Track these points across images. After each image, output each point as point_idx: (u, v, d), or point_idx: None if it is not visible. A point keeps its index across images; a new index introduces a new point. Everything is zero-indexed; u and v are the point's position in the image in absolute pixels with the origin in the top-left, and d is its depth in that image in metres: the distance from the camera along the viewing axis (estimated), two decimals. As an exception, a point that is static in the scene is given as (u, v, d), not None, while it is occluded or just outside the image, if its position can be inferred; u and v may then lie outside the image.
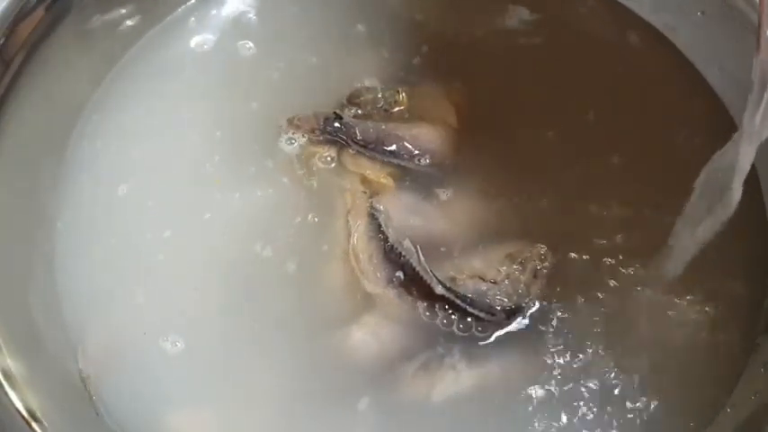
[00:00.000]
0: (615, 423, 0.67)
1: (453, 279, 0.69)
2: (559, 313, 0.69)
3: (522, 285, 0.69)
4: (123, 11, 0.78)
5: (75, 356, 0.70)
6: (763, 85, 0.53)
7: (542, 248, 0.71)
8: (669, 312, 0.70)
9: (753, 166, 0.62)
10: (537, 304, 0.69)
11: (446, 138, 0.75)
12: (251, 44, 0.80)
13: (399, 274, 0.68)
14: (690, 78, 0.77)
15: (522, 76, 0.78)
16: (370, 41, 0.80)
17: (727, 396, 0.68)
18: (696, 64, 0.77)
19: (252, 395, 0.68)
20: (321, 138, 0.74)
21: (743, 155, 0.58)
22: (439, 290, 0.67)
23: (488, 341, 0.68)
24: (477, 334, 0.68)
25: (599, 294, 0.70)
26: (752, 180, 0.70)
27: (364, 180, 0.74)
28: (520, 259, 0.70)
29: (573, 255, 0.71)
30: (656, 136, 0.75)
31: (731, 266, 0.71)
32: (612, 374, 0.68)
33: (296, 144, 0.74)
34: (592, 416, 0.67)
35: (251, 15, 0.82)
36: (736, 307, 0.70)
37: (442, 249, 0.71)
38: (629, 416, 0.67)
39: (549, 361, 0.68)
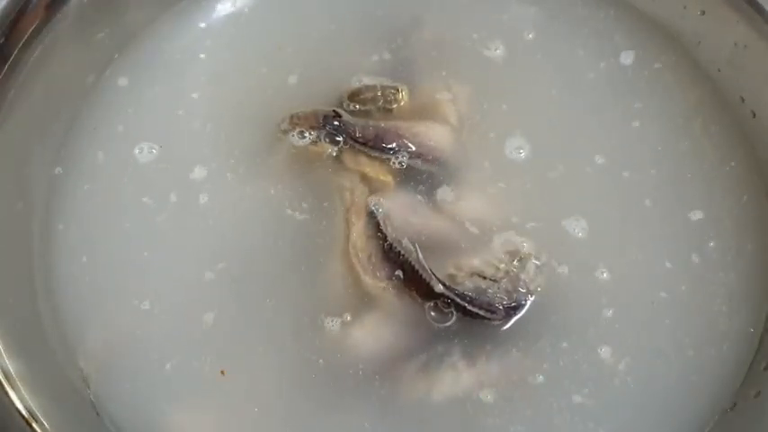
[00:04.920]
0: (615, 422, 0.67)
1: (453, 277, 0.69)
2: (560, 312, 0.69)
3: (521, 283, 0.69)
4: (121, 9, 0.78)
5: (75, 356, 0.70)
6: None
7: (542, 246, 0.70)
8: (671, 313, 0.70)
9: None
10: (536, 302, 0.69)
11: (446, 136, 0.74)
12: (252, 42, 0.80)
13: (399, 272, 0.68)
14: (691, 77, 0.77)
15: (522, 75, 0.78)
16: (372, 39, 0.79)
17: (728, 396, 0.68)
18: (698, 63, 0.77)
19: (251, 395, 0.68)
20: (321, 135, 0.74)
21: None
22: (438, 288, 0.67)
23: (489, 338, 0.68)
24: (477, 332, 0.68)
25: (600, 293, 0.70)
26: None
27: (364, 178, 0.73)
28: (519, 257, 0.70)
29: (575, 254, 0.71)
30: (655, 135, 0.75)
31: (734, 267, 0.71)
32: (613, 374, 0.68)
33: (307, 138, 0.74)
34: (592, 414, 0.67)
35: (250, 14, 0.82)
36: (738, 308, 0.70)
37: (441, 247, 0.70)
38: (630, 415, 0.67)
39: (548, 360, 0.68)
